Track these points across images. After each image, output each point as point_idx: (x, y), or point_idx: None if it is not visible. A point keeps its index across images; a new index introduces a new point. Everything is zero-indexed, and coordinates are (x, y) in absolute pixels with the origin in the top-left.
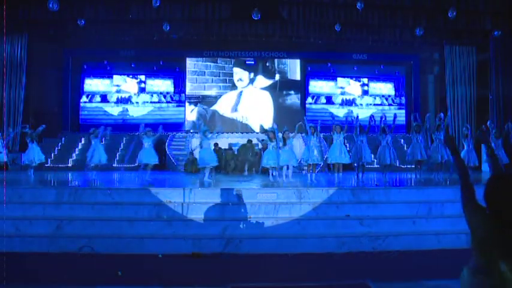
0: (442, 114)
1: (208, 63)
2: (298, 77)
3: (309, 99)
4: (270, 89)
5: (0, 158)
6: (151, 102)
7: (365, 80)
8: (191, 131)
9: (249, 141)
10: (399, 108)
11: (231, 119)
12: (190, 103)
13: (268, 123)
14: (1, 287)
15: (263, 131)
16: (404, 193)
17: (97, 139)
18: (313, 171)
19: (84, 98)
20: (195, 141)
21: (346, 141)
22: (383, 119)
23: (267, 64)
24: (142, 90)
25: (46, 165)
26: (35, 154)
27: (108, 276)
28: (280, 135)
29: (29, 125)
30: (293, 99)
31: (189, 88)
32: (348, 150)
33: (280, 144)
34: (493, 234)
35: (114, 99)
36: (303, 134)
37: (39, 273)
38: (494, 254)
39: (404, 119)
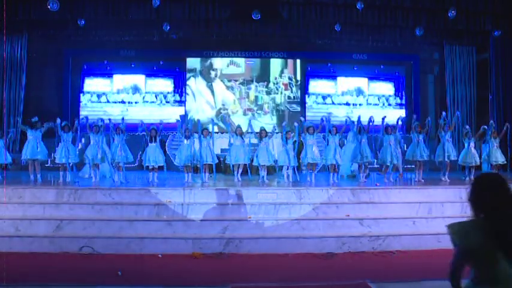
0: (444, 113)
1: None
2: None
3: (310, 99)
4: None
5: (7, 160)
6: (151, 102)
7: (365, 80)
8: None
9: None
10: (399, 108)
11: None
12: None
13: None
14: (1, 287)
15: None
16: (404, 193)
17: (98, 135)
18: (312, 170)
19: (84, 98)
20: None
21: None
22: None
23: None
24: (142, 90)
25: (46, 165)
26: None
27: (108, 276)
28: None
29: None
30: None
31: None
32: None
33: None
34: (486, 240)
35: (114, 99)
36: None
37: (39, 273)
38: (493, 259)
39: (404, 118)
